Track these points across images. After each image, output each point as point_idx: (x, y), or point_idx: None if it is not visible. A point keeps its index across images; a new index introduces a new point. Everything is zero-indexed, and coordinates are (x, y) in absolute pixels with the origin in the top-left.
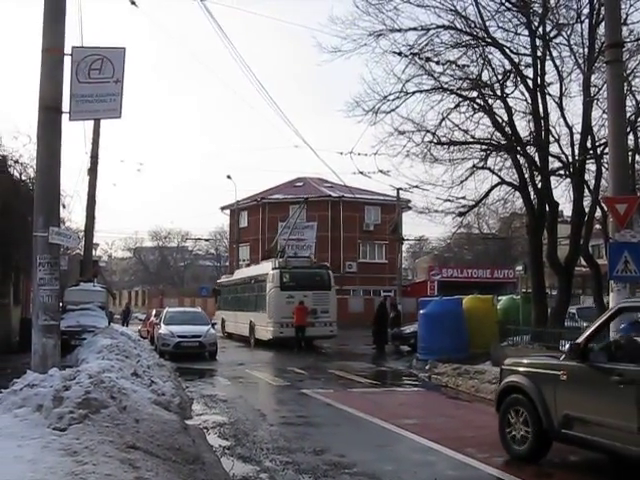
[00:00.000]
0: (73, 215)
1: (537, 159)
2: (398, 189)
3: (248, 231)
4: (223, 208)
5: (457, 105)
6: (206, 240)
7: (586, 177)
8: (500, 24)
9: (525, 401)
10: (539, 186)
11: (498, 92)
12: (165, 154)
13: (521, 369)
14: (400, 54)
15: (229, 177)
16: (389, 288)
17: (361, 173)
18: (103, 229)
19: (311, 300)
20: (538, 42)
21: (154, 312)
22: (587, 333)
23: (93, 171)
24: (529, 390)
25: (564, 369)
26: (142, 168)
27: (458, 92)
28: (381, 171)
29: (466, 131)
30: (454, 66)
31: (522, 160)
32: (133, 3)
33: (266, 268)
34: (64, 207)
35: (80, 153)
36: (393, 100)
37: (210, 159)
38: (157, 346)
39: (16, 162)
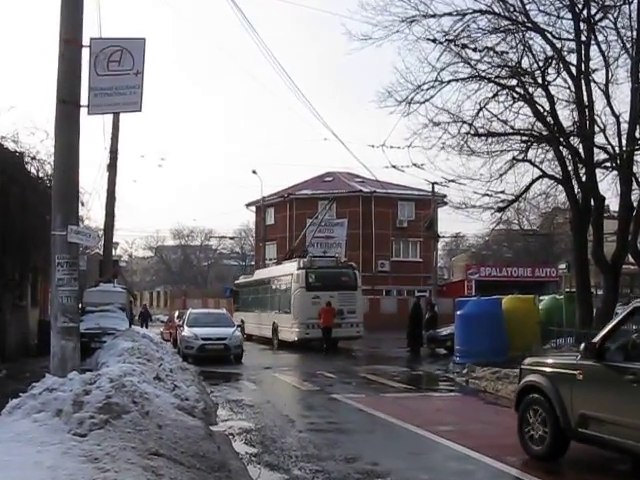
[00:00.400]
0: (92, 213)
1: (581, 150)
2: (433, 183)
3: (275, 228)
4: (248, 205)
5: (495, 94)
6: (231, 238)
7: (635, 169)
8: (541, 7)
9: (543, 400)
10: (583, 179)
11: (539, 80)
12: (187, 149)
13: (539, 368)
14: (434, 41)
15: (254, 172)
16: (424, 288)
17: (394, 167)
18: (123, 227)
19: (337, 300)
20: (582, 26)
21: (177, 314)
22: (603, 332)
23: (112, 167)
24: (547, 389)
25: (580, 368)
26: (163, 163)
27: (496, 80)
28: (415, 165)
29: (505, 121)
30: (492, 53)
31: (565, 152)
32: None
33: (290, 268)
34: (83, 205)
35: (99, 148)
36: (427, 90)
37: (235, 154)
38: (180, 349)
39: (33, 159)
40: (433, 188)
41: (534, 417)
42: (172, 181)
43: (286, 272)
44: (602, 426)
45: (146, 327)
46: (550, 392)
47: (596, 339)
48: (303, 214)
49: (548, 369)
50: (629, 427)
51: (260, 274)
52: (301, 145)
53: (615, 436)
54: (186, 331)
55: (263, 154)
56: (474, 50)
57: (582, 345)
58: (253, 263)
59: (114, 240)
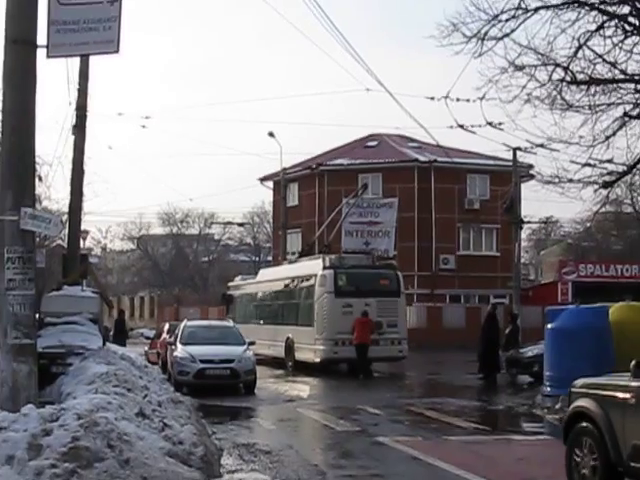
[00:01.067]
0: (53, 191)
1: None
2: (515, 149)
3: (299, 211)
4: (263, 180)
5: (600, 26)
6: (239, 225)
7: None
8: None
9: (592, 430)
10: None
11: None
12: (180, 106)
13: (590, 391)
14: None
15: (271, 135)
16: (502, 292)
17: (461, 127)
18: (95, 210)
19: (374, 310)
20: None
21: (167, 327)
22: None
23: (80, 129)
24: (596, 416)
25: (633, 391)
26: (149, 124)
27: (602, 7)
28: (490, 124)
29: (614, 64)
30: None
31: None
32: None
33: (313, 268)
34: (41, 180)
35: (62, 104)
36: (507, 21)
37: (244, 112)
38: (172, 375)
39: None
40: (515, 156)
41: (584, 450)
42: (160, 148)
43: (306, 273)
44: None
45: (123, 345)
46: (600, 419)
47: None
48: (337, 192)
49: (599, 392)
50: None
51: (266, 275)
52: (336, 99)
53: None
54: (179, 351)
55: (284, 111)
56: None
57: (633, 362)
58: (270, 258)
59: (82, 228)
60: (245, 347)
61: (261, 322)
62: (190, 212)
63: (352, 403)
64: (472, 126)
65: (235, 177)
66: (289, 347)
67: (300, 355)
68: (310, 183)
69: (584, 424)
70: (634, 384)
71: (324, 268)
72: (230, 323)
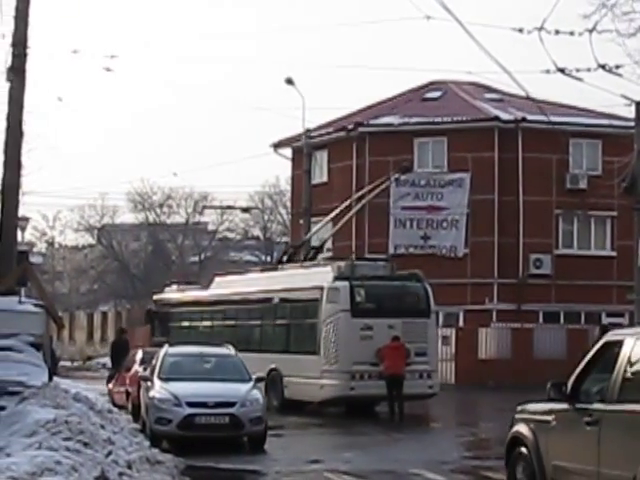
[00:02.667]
0: None
1: None
2: (638, 104)
3: (329, 191)
4: (278, 146)
5: None
6: (244, 211)
7: None
8: None
9: (526, 454)
10: None
11: None
12: (159, 41)
13: (526, 417)
14: None
15: (290, 82)
16: (619, 309)
17: (561, 72)
18: (39, 190)
19: (399, 334)
20: None
21: (139, 355)
22: (577, 371)
23: (18, 73)
24: (527, 441)
25: (553, 413)
26: (115, 66)
27: None
28: (603, 67)
29: None
30: None
31: None
32: None
33: (317, 278)
34: None
35: None
36: None
37: (249, 48)
38: (147, 423)
39: None
40: (638, 113)
41: (520, 474)
42: (131, 101)
43: (305, 284)
44: (567, 477)
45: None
46: (530, 444)
47: (571, 379)
48: (383, 163)
49: (532, 416)
50: (585, 475)
51: (226, 285)
52: (379, 30)
53: None
54: (158, 389)
55: (304, 48)
56: None
57: (548, 384)
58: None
59: (21, 213)
60: (251, 385)
61: None
62: (173, 192)
63: (400, 464)
64: (577, 70)
65: (237, 142)
66: (273, 381)
67: (292, 392)
68: (345, 151)
69: (520, 449)
70: (554, 407)
71: (336, 279)
72: (230, 350)
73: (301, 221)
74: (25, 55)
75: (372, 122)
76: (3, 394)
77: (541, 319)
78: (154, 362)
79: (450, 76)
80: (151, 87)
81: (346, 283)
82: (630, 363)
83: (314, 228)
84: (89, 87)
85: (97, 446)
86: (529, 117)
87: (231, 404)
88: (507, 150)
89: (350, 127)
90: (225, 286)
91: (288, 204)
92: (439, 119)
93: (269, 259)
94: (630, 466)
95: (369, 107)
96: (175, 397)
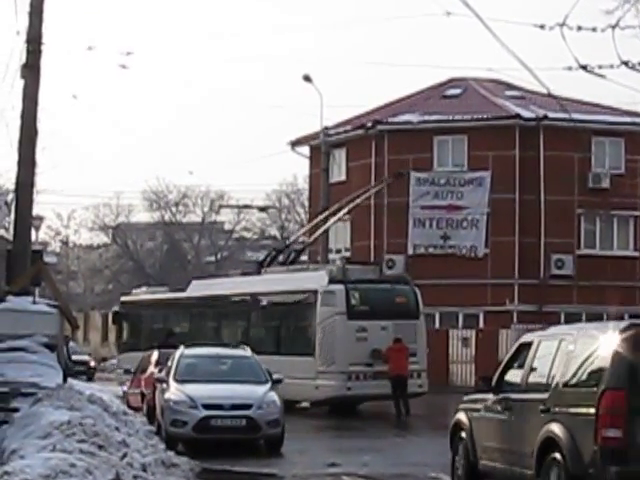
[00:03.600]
0: None
1: None
2: None
3: (348, 190)
4: (296, 144)
5: None
6: (261, 210)
7: None
8: None
9: (464, 438)
10: None
11: None
12: (176, 39)
13: (466, 406)
14: None
15: (308, 79)
16: None
17: (583, 68)
18: (53, 188)
19: (390, 335)
20: None
21: (155, 356)
22: (500, 367)
23: (32, 70)
24: (464, 427)
25: (482, 401)
26: (131, 63)
27: None
28: (626, 64)
29: None
30: None
31: None
32: None
33: (310, 281)
34: None
35: (8, 34)
36: None
37: (266, 45)
38: (162, 426)
39: None
40: None
41: (460, 455)
42: (147, 99)
43: (297, 287)
44: (490, 454)
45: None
46: (466, 428)
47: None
48: (402, 162)
49: (471, 405)
50: (500, 452)
51: (203, 288)
52: (398, 26)
53: (495, 462)
54: (174, 391)
55: (323, 45)
56: None
57: (477, 378)
58: (306, 258)
59: (35, 212)
60: (268, 386)
61: None
62: (189, 191)
63: (418, 467)
64: (600, 67)
65: (254, 141)
66: None
67: (284, 393)
68: (363, 149)
69: (460, 433)
70: (484, 397)
71: (331, 282)
72: (247, 352)
73: (320, 221)
74: (40, 52)
75: (391, 120)
76: (17, 395)
77: (563, 320)
78: (169, 363)
79: (470, 73)
80: (167, 86)
81: (341, 286)
82: (533, 360)
83: (299, 232)
84: (105, 85)
85: (112, 448)
86: (551, 115)
87: (248, 406)
88: (528, 148)
89: (369, 125)
90: (205, 289)
91: (306, 203)
92: (459, 117)
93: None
94: (530, 443)
95: (388, 105)
96: (191, 399)
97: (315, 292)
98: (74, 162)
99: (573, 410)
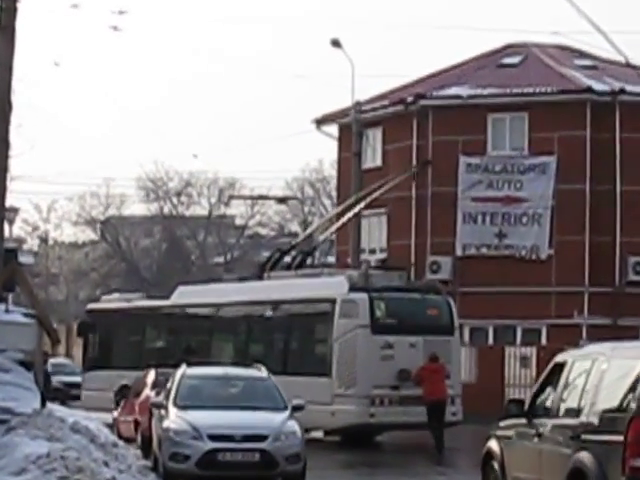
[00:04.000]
0: None
1: None
2: None
3: (382, 178)
4: (322, 122)
5: None
6: (280, 201)
7: None
8: None
9: (495, 467)
10: None
11: None
12: None
13: (498, 432)
14: None
15: (336, 44)
16: None
17: None
18: (31, 174)
19: (420, 353)
20: None
21: (151, 376)
22: (534, 389)
23: (7, 32)
24: (495, 455)
25: (513, 428)
26: (123, 24)
27: None
28: None
29: None
30: None
31: None
32: None
33: (327, 288)
34: None
35: None
36: None
37: (293, 6)
38: (160, 459)
39: None
40: None
41: None
42: (143, 67)
43: (306, 295)
44: None
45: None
46: (497, 457)
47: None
48: (451, 144)
49: (502, 432)
50: None
51: (192, 296)
52: None
53: None
54: (173, 418)
55: (353, 7)
56: None
57: (506, 402)
58: (333, 259)
59: (8, 203)
60: (287, 414)
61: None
62: (193, 178)
63: None
64: None
65: (272, 118)
66: None
67: None
68: (403, 129)
69: (491, 462)
70: (516, 422)
71: (352, 290)
72: (262, 372)
73: (349, 214)
74: (15, 10)
75: (437, 94)
76: None
77: None
78: (169, 385)
79: (532, 38)
80: (167, 52)
81: (364, 295)
82: (567, 382)
83: (309, 229)
84: (93, 51)
85: None
86: (629, 88)
87: (262, 438)
88: (602, 129)
89: (410, 100)
90: (194, 296)
91: (333, 193)
92: (518, 90)
93: (309, 261)
94: (558, 473)
95: (433, 75)
96: (194, 429)
97: (333, 301)
98: (56, 143)
99: (602, 438)
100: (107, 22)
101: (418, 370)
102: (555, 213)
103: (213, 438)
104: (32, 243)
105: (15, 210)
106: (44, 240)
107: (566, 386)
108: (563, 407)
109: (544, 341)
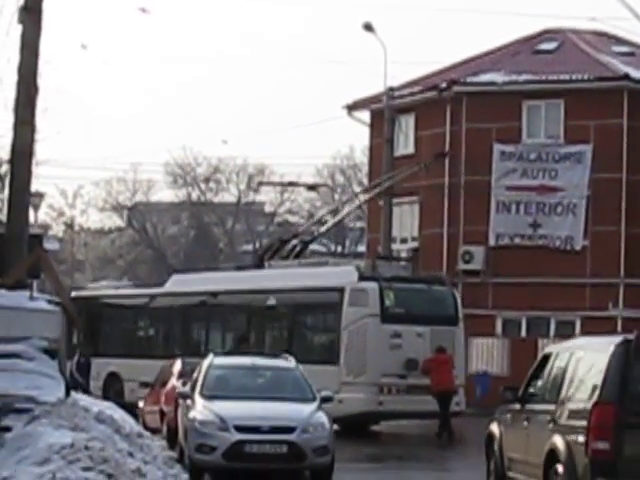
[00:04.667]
0: None
1: None
2: None
3: (414, 163)
4: (353, 108)
5: None
6: (310, 188)
7: None
8: None
9: (495, 449)
10: None
11: None
12: None
13: (498, 416)
14: None
15: (369, 29)
16: None
17: None
18: (57, 158)
19: (427, 343)
20: None
21: (178, 366)
22: (527, 376)
23: (33, 14)
24: (495, 438)
25: (510, 412)
26: (152, 6)
27: None
28: None
29: None
30: None
31: None
32: None
33: (335, 277)
34: None
35: None
36: None
37: None
38: (186, 451)
39: None
40: None
41: (492, 466)
42: (172, 51)
43: (315, 284)
44: (514, 466)
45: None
46: (497, 439)
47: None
48: (485, 131)
49: (502, 416)
50: (521, 463)
51: (189, 284)
52: None
53: (518, 474)
54: (200, 409)
55: None
56: None
57: (501, 389)
58: (364, 249)
59: (34, 188)
60: (315, 405)
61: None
62: (222, 164)
63: None
64: None
65: (303, 104)
66: None
67: None
68: (436, 115)
69: (492, 444)
70: (512, 407)
71: (362, 279)
72: (290, 362)
73: (381, 202)
74: None
75: (471, 80)
76: (9, 412)
77: None
78: (195, 375)
79: (569, 23)
80: (197, 35)
81: (374, 284)
82: (550, 371)
83: (312, 220)
84: (121, 33)
85: (124, 479)
86: None
87: (290, 429)
88: (639, 117)
89: (443, 86)
90: (190, 285)
91: (365, 180)
92: (554, 77)
93: (340, 249)
94: (540, 454)
95: (467, 61)
96: (221, 419)
97: (341, 290)
98: (83, 127)
99: (572, 423)
100: (135, 4)
101: (426, 361)
102: (590, 203)
103: (240, 429)
104: (57, 229)
105: (41, 195)
106: (70, 226)
107: (550, 375)
108: (546, 394)
109: (578, 333)
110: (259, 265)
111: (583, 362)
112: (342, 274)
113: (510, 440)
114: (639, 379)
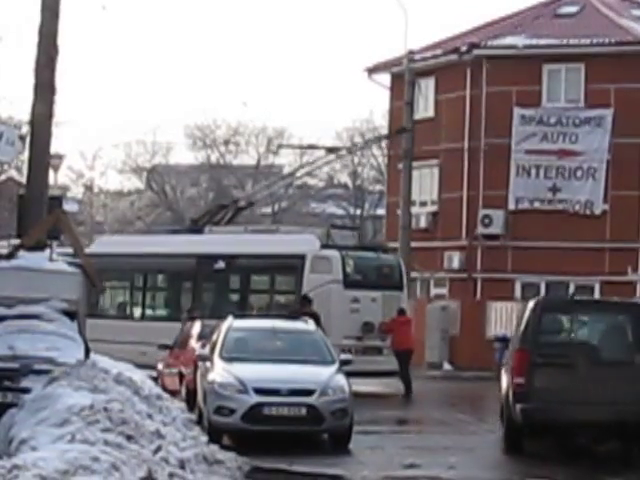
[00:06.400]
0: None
1: None
2: None
3: (437, 128)
4: (373, 71)
5: None
6: (330, 151)
7: None
8: None
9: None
10: None
11: None
12: None
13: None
14: None
15: None
16: None
17: None
18: (75, 120)
19: (379, 308)
20: None
21: (197, 328)
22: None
23: None
24: (502, 384)
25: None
26: None
27: None
28: None
29: None
30: None
31: None
32: None
33: (296, 244)
34: None
35: None
36: None
37: None
38: (204, 413)
39: None
40: None
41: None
42: (194, 11)
43: (271, 251)
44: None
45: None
46: (503, 386)
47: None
48: (505, 95)
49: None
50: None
51: (124, 247)
52: None
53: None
54: (219, 371)
55: None
56: None
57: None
58: (383, 211)
59: (54, 150)
60: (335, 368)
61: (137, 318)
62: (242, 127)
63: (519, 476)
64: None
65: (322, 67)
66: None
67: None
68: (456, 79)
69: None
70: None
71: (323, 247)
72: (310, 325)
73: (400, 165)
74: None
75: (491, 43)
76: (29, 373)
77: None
78: (215, 337)
79: None
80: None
81: (337, 252)
82: (519, 322)
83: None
84: None
85: (143, 440)
86: None
87: (309, 392)
88: None
89: (464, 49)
90: (117, 248)
91: (384, 144)
92: (575, 41)
93: (358, 212)
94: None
95: (488, 24)
96: (240, 382)
97: (302, 257)
98: (102, 89)
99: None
100: None
101: (390, 322)
102: (610, 167)
103: (259, 392)
104: (77, 191)
105: (60, 157)
106: (89, 188)
107: (518, 325)
108: (514, 341)
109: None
110: (196, 229)
111: (525, 314)
112: (302, 241)
113: (502, 385)
114: (545, 331)
